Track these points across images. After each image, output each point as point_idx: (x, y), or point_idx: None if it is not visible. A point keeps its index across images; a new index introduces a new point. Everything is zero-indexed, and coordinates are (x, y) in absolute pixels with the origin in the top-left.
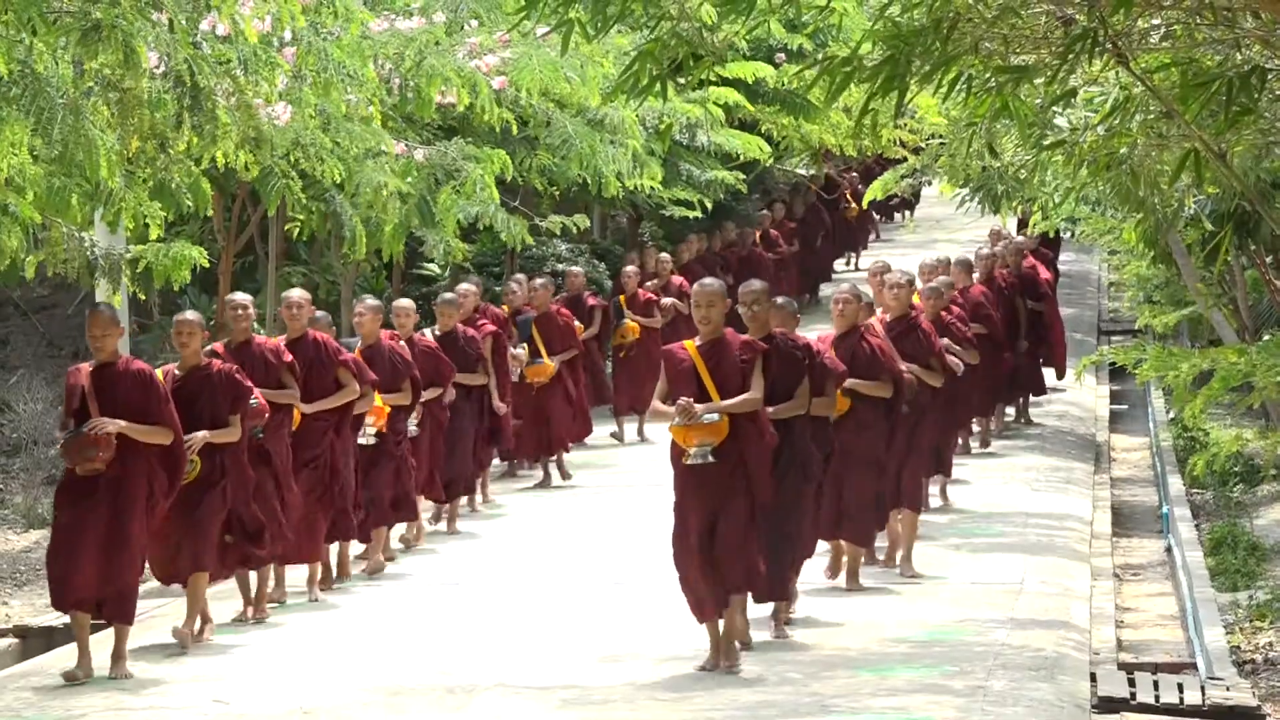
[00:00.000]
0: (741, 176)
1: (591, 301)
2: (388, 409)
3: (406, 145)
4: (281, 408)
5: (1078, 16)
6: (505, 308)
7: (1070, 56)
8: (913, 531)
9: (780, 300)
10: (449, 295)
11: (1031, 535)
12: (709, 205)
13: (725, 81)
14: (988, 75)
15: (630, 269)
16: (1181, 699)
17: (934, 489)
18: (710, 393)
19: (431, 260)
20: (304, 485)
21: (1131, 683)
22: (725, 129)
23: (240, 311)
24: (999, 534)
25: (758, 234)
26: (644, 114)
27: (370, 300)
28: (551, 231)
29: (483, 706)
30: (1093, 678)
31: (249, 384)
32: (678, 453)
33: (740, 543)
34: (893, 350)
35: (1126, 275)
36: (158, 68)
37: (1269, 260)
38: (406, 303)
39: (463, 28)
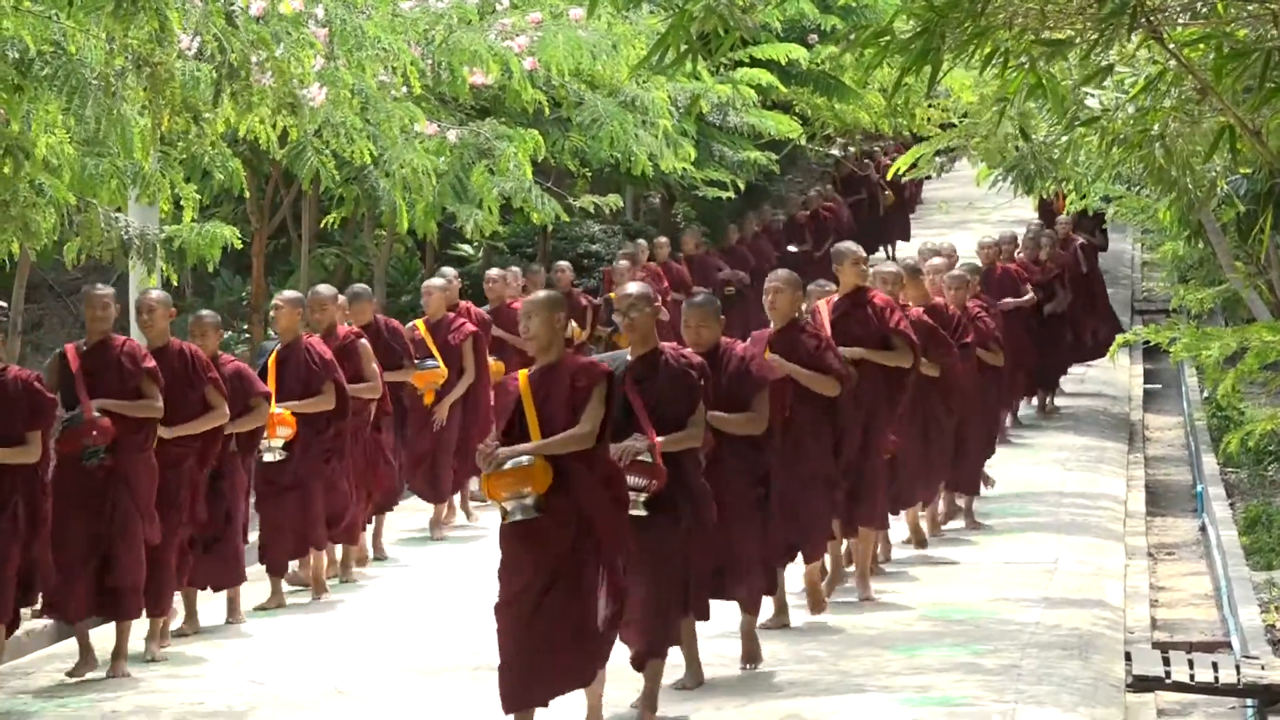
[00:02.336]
0: (774, 157)
1: (582, 301)
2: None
3: (439, 126)
4: (141, 423)
5: None
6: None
7: (1106, 30)
8: (869, 549)
9: (699, 299)
10: (358, 288)
11: (1065, 515)
12: (741, 186)
13: (758, 63)
14: (1022, 50)
15: (622, 264)
16: (1216, 678)
17: (952, 500)
18: (531, 431)
19: (466, 241)
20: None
21: (1166, 661)
22: (757, 110)
23: (100, 310)
24: (1032, 514)
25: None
26: (675, 94)
27: (289, 293)
28: (585, 212)
29: None
30: (1127, 657)
31: (51, 396)
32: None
33: (581, 616)
34: (831, 345)
35: (1161, 255)
36: (190, 49)
37: None
38: (361, 288)
39: (494, 9)
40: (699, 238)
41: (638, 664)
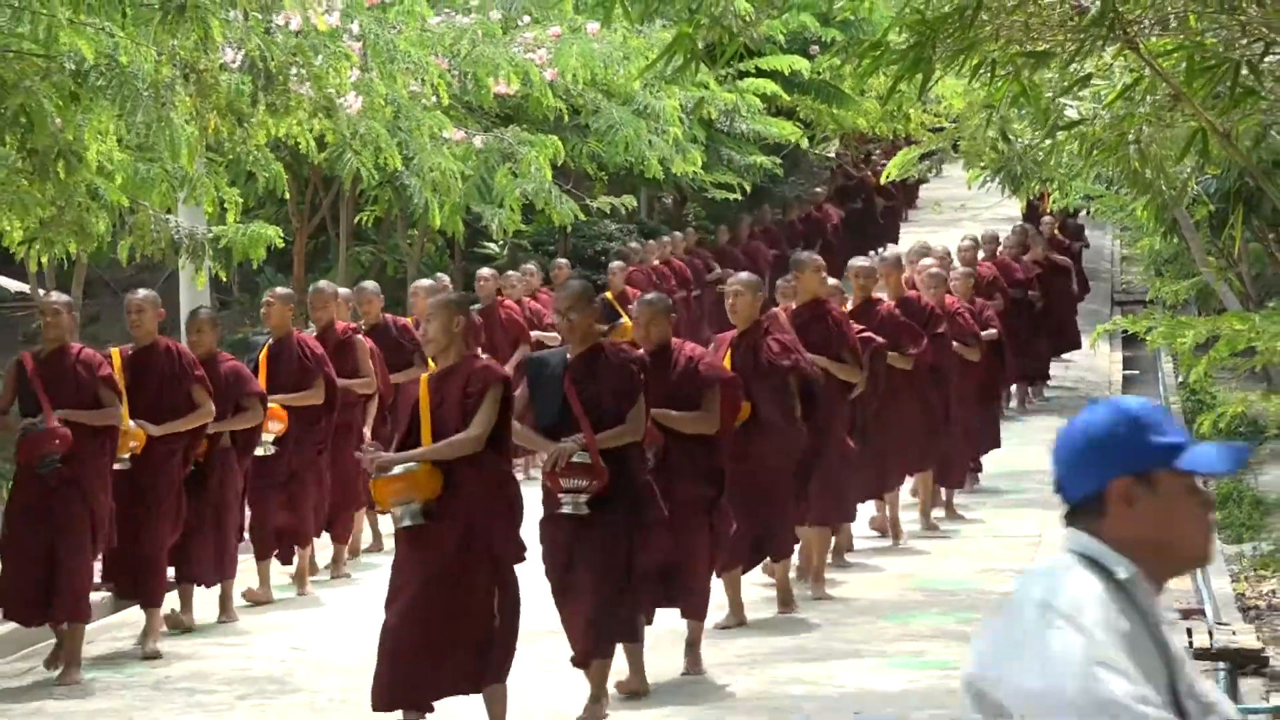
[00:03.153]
0: (778, 160)
1: None
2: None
3: (466, 132)
4: (97, 432)
5: (1091, 4)
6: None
7: (1086, 41)
8: (824, 548)
9: (650, 297)
10: (368, 285)
11: (1049, 491)
12: (748, 188)
13: (763, 73)
14: (1007, 60)
15: (615, 264)
16: (1191, 643)
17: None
18: (423, 435)
19: (491, 240)
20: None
21: None
22: (762, 116)
23: (51, 318)
24: (1019, 490)
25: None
26: (685, 102)
27: (280, 290)
28: (602, 211)
29: (542, 652)
30: None
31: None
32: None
33: (467, 621)
34: (796, 344)
35: (1138, 249)
36: (234, 61)
37: (1271, 235)
38: (370, 285)
39: (516, 24)
40: (691, 240)
41: (579, 663)
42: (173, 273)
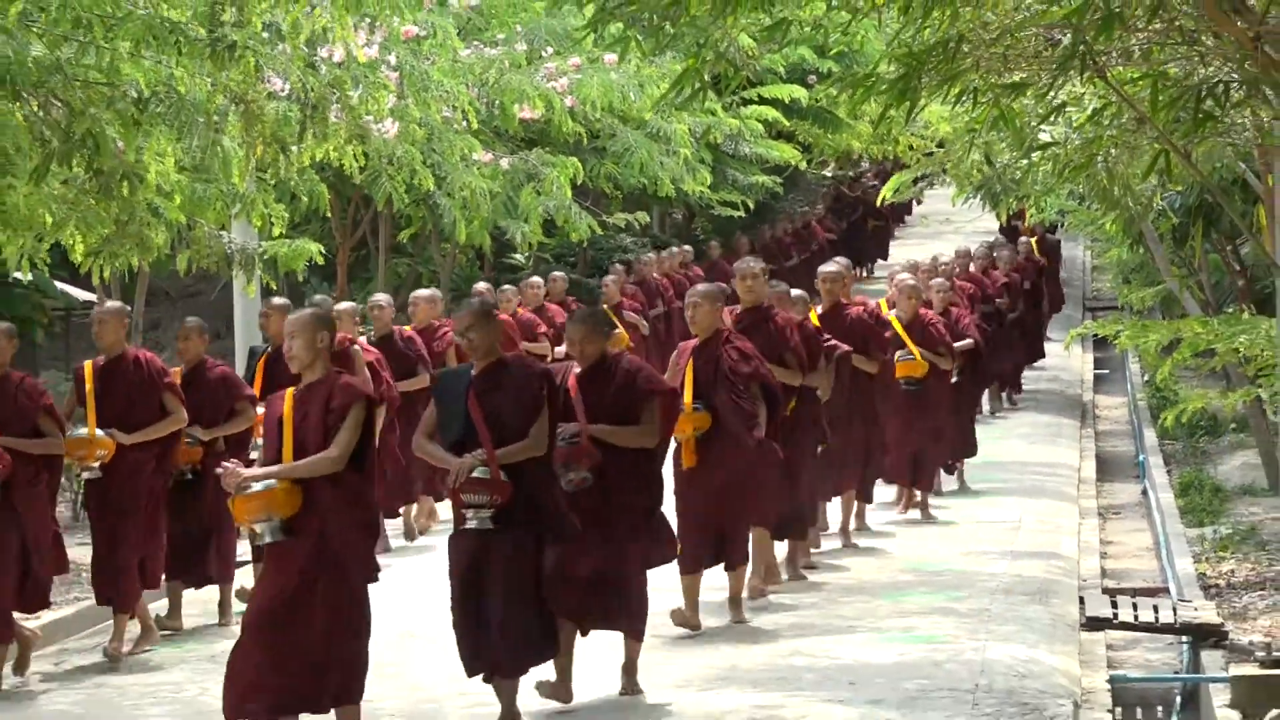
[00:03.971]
0: (779, 180)
1: (560, 317)
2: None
3: (493, 154)
4: (34, 460)
5: (1064, 38)
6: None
7: (1059, 72)
8: (766, 549)
9: (583, 313)
10: (379, 297)
11: (1028, 481)
12: (751, 205)
13: (765, 101)
14: (988, 89)
15: (610, 278)
16: (1156, 618)
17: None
18: (285, 451)
19: (516, 252)
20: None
21: (1114, 604)
22: (764, 140)
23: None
24: (1000, 480)
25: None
26: (694, 127)
27: (276, 300)
28: (618, 226)
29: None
30: (1080, 601)
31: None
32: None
33: (314, 639)
34: (756, 351)
35: (1107, 260)
36: (281, 90)
37: (1229, 247)
38: (381, 297)
39: (540, 55)
40: (686, 256)
41: (490, 679)
42: (227, 283)
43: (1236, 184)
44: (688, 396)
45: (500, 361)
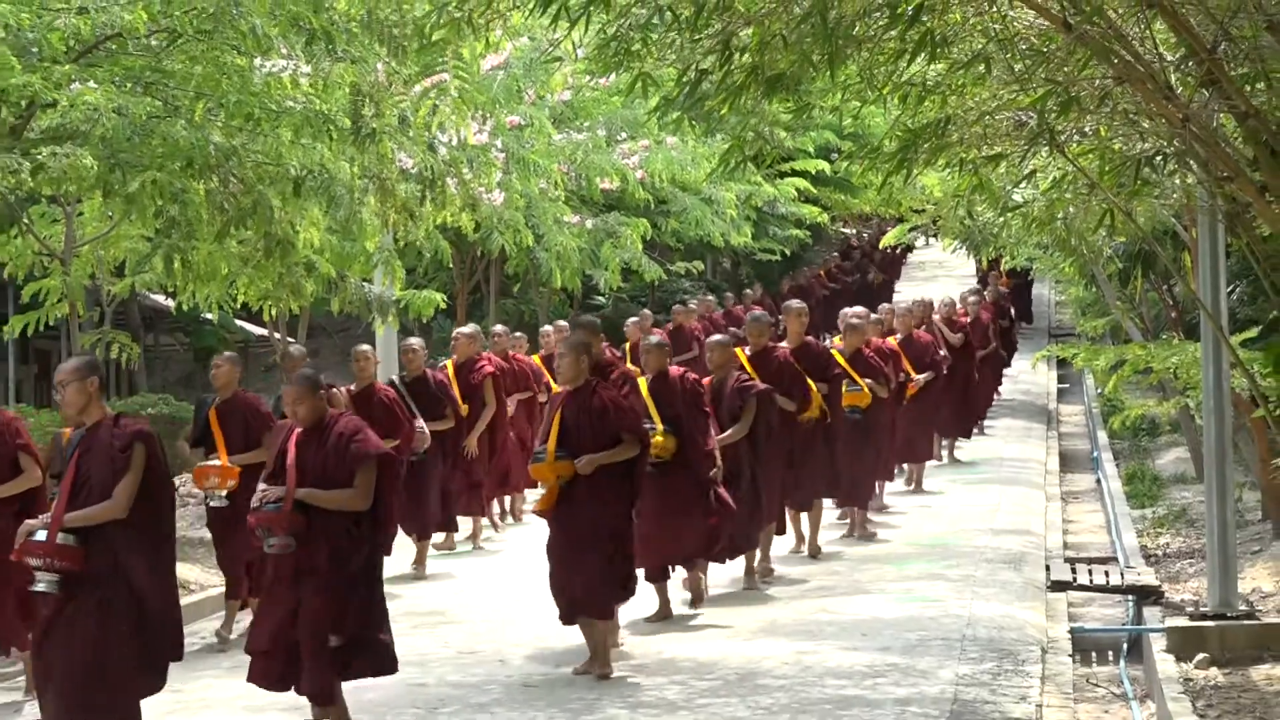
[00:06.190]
0: (807, 233)
1: (607, 354)
2: (237, 469)
3: (580, 217)
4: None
5: (1030, 120)
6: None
7: (1027, 147)
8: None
9: (294, 377)
10: (412, 341)
11: (1005, 472)
12: (786, 252)
13: (796, 173)
14: (970, 160)
15: (631, 320)
16: (1108, 581)
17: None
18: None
19: (599, 294)
20: None
21: (1073, 571)
22: (796, 202)
23: None
24: (982, 472)
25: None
26: (739, 193)
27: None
28: (678, 273)
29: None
30: (1047, 568)
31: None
32: None
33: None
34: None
35: (1067, 296)
36: (410, 166)
37: (1164, 286)
38: (415, 341)
39: (617, 139)
40: (709, 306)
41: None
42: (369, 324)
43: (1169, 235)
44: (552, 444)
45: (95, 425)
